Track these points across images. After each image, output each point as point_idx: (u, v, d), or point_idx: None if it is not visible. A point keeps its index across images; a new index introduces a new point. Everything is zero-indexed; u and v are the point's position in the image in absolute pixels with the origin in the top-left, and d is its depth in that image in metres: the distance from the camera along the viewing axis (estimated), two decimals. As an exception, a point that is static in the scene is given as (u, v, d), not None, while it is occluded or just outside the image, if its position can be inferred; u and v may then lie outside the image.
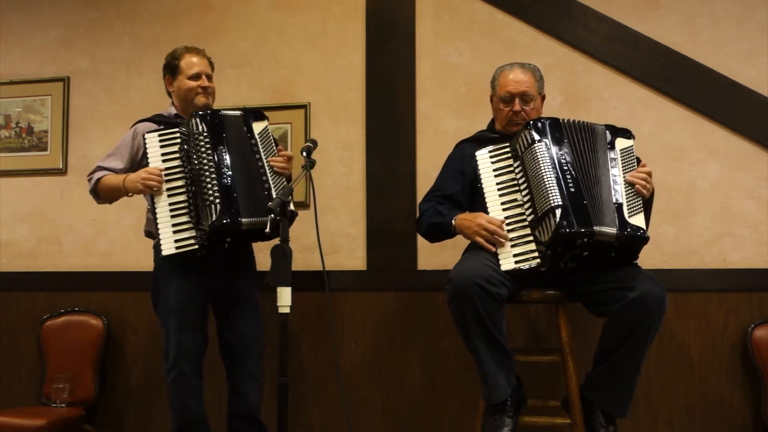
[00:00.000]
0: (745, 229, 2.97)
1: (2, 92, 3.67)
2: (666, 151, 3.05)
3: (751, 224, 2.97)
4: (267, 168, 2.58)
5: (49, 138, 3.61)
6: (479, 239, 2.41)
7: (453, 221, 2.51)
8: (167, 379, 2.60)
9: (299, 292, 2.38)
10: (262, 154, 2.60)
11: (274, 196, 2.44)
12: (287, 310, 2.12)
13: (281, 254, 2.09)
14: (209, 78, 2.75)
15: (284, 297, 2.10)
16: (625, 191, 2.38)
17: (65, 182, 3.58)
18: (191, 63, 2.72)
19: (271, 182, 2.56)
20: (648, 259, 2.65)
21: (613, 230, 2.29)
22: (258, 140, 2.61)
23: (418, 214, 2.75)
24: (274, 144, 2.67)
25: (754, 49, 3.03)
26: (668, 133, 3.06)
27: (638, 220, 2.35)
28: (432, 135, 3.24)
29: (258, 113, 2.69)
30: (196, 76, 2.71)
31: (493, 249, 2.39)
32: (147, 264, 2.75)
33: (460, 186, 2.64)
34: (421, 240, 3.15)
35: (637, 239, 2.33)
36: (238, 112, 2.65)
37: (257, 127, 2.63)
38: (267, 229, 2.11)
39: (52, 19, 3.68)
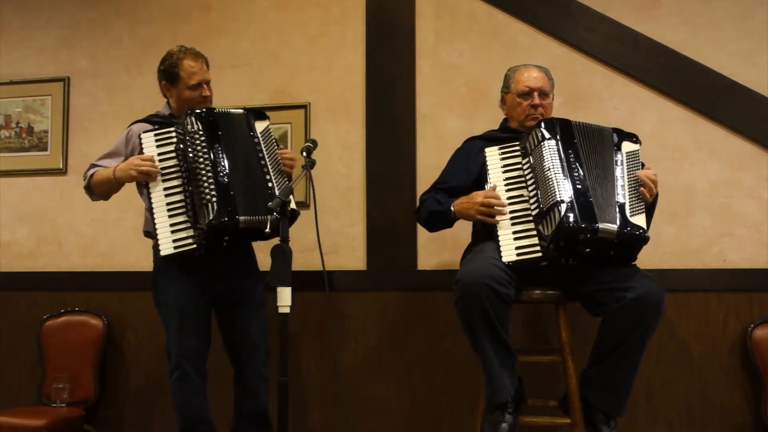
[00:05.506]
0: (745, 229, 2.97)
1: (2, 92, 3.67)
2: (666, 151, 3.05)
3: (751, 224, 2.97)
4: (270, 167, 2.56)
5: (49, 138, 3.61)
6: (480, 217, 2.46)
7: (452, 207, 2.55)
8: (170, 379, 2.60)
9: (299, 292, 2.37)
10: (265, 152, 2.58)
11: (276, 194, 2.41)
12: (287, 310, 2.12)
13: (281, 254, 2.10)
14: (209, 84, 2.69)
15: (284, 297, 2.10)
16: (629, 192, 2.41)
17: (65, 182, 3.57)
18: (191, 72, 2.62)
19: (274, 181, 2.54)
20: (648, 259, 2.64)
21: (614, 227, 2.30)
22: (261, 139, 2.60)
23: (417, 205, 2.77)
24: (275, 144, 2.66)
25: (754, 49, 3.03)
26: (668, 133, 3.06)
27: (639, 220, 2.37)
28: (432, 135, 3.24)
29: (259, 112, 2.68)
30: (197, 86, 2.64)
31: (496, 221, 2.43)
32: (147, 264, 2.75)
33: (463, 181, 2.65)
34: (421, 240, 3.16)
35: (637, 238, 2.35)
36: (239, 111, 2.63)
37: (259, 126, 2.62)
38: (267, 229, 2.11)
39: (52, 19, 3.67)
